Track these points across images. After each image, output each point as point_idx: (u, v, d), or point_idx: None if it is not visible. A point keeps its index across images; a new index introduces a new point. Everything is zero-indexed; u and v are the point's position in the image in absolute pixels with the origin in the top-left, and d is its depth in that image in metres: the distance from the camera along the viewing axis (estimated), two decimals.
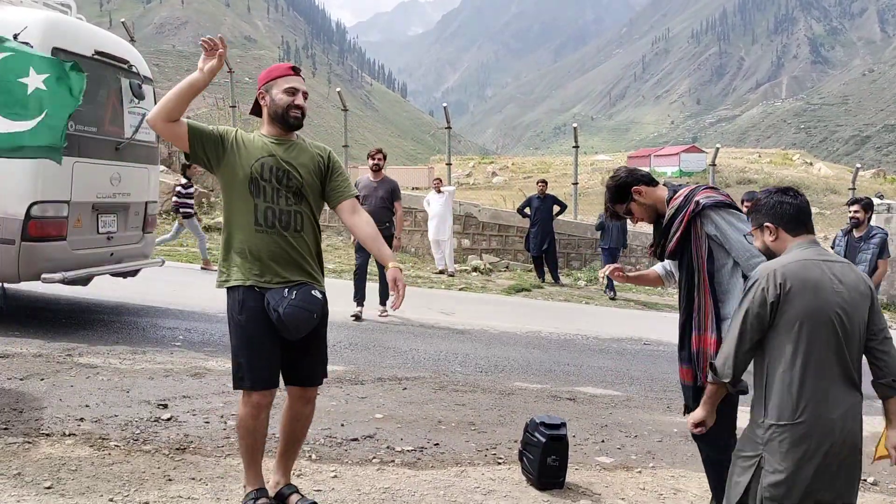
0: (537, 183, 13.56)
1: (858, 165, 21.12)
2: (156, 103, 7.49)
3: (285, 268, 3.06)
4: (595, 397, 5.90)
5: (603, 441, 4.76)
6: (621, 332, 8.89)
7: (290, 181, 3.07)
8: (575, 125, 17.20)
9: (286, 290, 3.02)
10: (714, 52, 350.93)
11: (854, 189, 16.38)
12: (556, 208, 13.26)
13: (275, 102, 3.08)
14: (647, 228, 19.75)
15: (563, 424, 3.93)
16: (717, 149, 17.65)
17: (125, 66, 6.85)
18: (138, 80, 7.03)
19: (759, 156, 55.85)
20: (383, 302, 8.26)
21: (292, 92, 3.08)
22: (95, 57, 6.40)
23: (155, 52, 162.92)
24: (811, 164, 51.23)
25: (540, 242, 13.02)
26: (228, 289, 3.10)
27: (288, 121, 3.08)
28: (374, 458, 4.01)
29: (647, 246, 14.91)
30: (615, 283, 12.77)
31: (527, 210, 13.19)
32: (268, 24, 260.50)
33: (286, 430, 3.26)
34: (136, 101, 6.98)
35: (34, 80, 4.49)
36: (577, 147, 16.61)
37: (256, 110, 3.20)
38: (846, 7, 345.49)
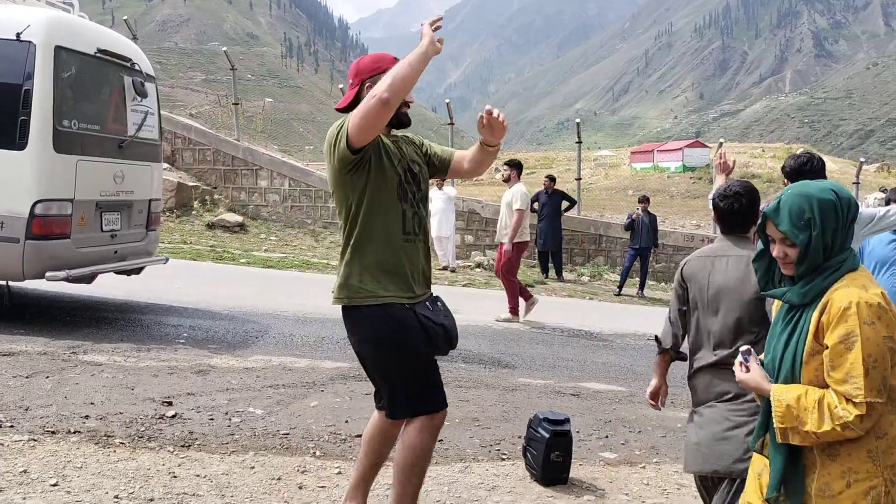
0: (544, 179, 13.54)
1: (862, 160, 21.01)
2: (158, 101, 7.51)
3: (425, 278, 2.86)
4: (599, 393, 5.90)
5: (607, 437, 4.76)
6: (625, 328, 8.89)
7: (422, 181, 2.86)
8: (578, 121, 17.19)
9: (428, 302, 2.82)
10: (717, 46, 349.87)
11: (858, 183, 16.34)
12: (564, 203, 13.27)
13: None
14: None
15: (567, 420, 3.93)
16: (721, 143, 17.63)
17: (128, 64, 6.86)
18: (141, 77, 7.03)
19: (763, 150, 55.72)
20: None
21: None
22: (98, 55, 6.40)
23: (157, 50, 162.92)
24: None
25: (547, 238, 13.02)
26: (371, 306, 2.72)
27: (401, 118, 2.77)
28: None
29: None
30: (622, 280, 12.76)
31: (535, 205, 13.19)
32: (270, 21, 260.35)
33: (377, 453, 3.00)
34: (139, 98, 6.98)
35: None
36: (580, 143, 16.61)
37: (348, 104, 2.75)
38: (850, 0, 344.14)
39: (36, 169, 5.78)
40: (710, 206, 3.11)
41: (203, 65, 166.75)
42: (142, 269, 7.24)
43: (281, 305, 8.08)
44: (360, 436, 4.26)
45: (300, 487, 3.47)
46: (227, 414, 4.42)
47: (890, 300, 1.92)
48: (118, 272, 6.97)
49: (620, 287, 12.41)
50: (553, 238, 13.05)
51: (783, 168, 3.86)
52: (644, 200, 12.51)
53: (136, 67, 7.00)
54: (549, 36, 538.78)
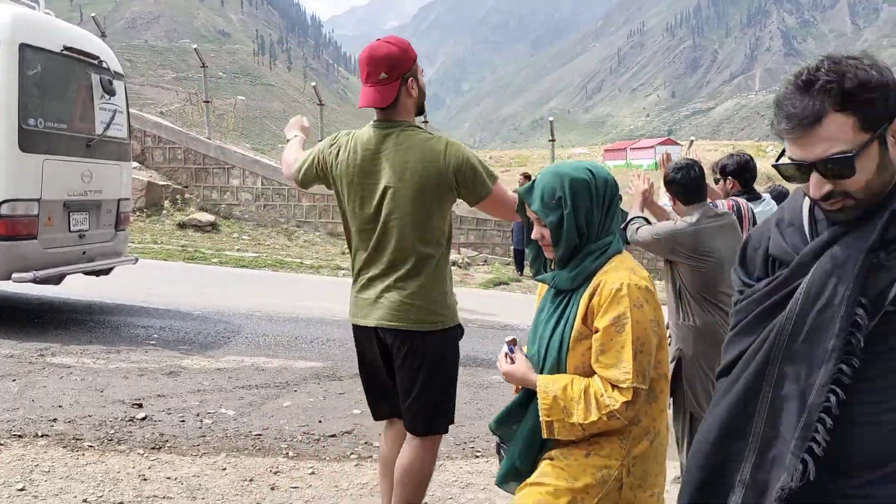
0: (519, 176, 13.62)
1: None
2: (126, 99, 7.40)
3: None
4: None
5: None
6: None
7: None
8: (551, 119, 17.25)
9: None
10: (688, 45, 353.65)
11: None
12: None
13: (422, 91, 2.62)
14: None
15: None
16: (692, 141, 17.79)
17: (95, 62, 6.75)
18: (109, 75, 6.93)
19: (734, 147, 56.40)
20: None
21: (422, 73, 2.67)
22: (64, 53, 6.30)
23: (127, 48, 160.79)
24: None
25: (524, 235, 13.08)
26: (458, 325, 2.71)
27: (423, 109, 2.68)
28: (351, 453, 4.00)
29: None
30: None
31: None
32: (242, 18, 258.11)
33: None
34: (107, 96, 6.88)
35: None
36: (553, 141, 16.66)
37: (394, 101, 2.54)
38: (818, 0, 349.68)
39: (1, 169, 5.67)
40: (665, 188, 3.26)
41: (174, 63, 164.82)
42: (111, 269, 7.14)
43: (254, 305, 8.01)
44: (334, 435, 4.25)
45: (273, 488, 3.44)
46: (198, 415, 4.38)
47: (653, 282, 1.89)
48: (87, 273, 6.86)
49: None
50: (529, 235, 13.10)
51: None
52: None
53: (104, 65, 6.90)
54: (524, 35, 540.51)
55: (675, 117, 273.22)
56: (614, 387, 1.76)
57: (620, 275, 1.82)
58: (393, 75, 2.48)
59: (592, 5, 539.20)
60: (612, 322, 1.78)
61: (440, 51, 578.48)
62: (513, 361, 1.96)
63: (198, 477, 3.48)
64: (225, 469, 3.61)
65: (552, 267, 2.01)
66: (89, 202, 6.63)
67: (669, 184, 3.34)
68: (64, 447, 3.69)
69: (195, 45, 18.47)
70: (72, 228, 6.42)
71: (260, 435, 4.13)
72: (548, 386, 1.83)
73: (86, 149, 6.54)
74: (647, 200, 3.59)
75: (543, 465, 1.88)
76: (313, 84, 19.15)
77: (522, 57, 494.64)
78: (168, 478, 3.43)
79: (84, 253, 6.63)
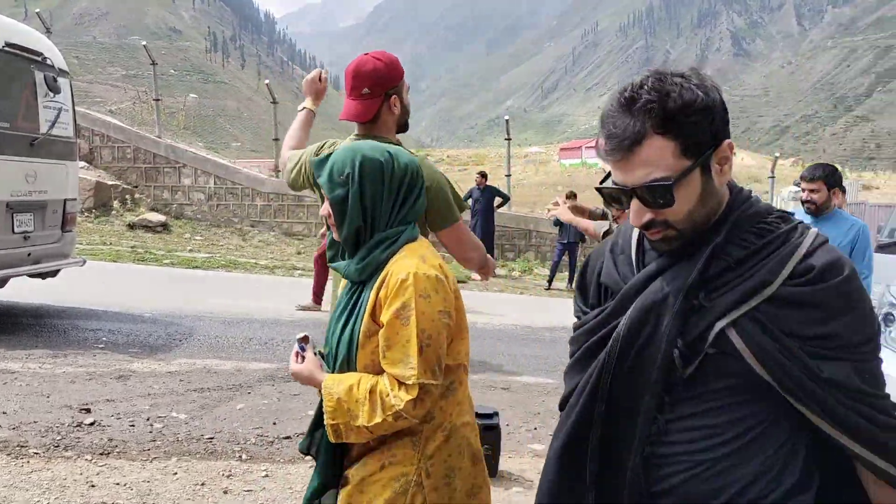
0: (476, 175, 13.65)
1: (777, 154, 21.96)
2: (72, 98, 7.22)
3: None
4: (529, 386, 5.98)
5: (535, 428, 4.83)
6: (555, 321, 9.03)
7: None
8: (507, 118, 17.35)
9: None
10: (641, 45, 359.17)
11: (773, 177, 17.03)
12: (497, 199, 13.39)
13: (406, 109, 2.61)
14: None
15: (496, 414, 3.98)
16: None
17: (39, 59, 6.57)
18: (53, 73, 6.75)
19: None
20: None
21: (408, 90, 2.65)
22: (6, 49, 6.11)
23: (74, 44, 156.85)
24: (735, 153, 53.11)
25: (479, 233, 13.11)
26: None
27: (405, 129, 2.66)
28: (307, 455, 3.96)
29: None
30: (552, 274, 12.98)
31: (468, 202, 13.25)
32: (193, 15, 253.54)
33: None
34: (52, 94, 6.70)
35: None
36: (509, 140, 16.77)
37: (374, 117, 2.53)
38: (765, 1, 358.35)
39: None
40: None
41: (123, 60, 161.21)
42: (58, 271, 6.95)
43: (206, 307, 7.88)
44: (288, 437, 4.21)
45: (225, 492, 3.40)
46: (148, 420, 4.29)
47: (448, 272, 1.76)
48: (32, 275, 6.67)
49: (550, 281, 12.64)
50: (486, 234, 13.15)
51: None
52: (571, 196, 12.72)
53: (49, 62, 6.71)
54: (480, 34, 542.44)
55: None
56: (401, 384, 1.62)
57: (408, 263, 1.69)
58: (376, 91, 2.49)
59: (548, 5, 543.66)
60: (396, 314, 1.64)
61: (397, 49, 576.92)
62: (303, 359, 1.83)
63: (148, 482, 3.41)
64: (176, 474, 3.55)
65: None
66: (34, 203, 6.45)
67: None
68: (7, 455, 3.58)
69: (145, 42, 18.10)
70: (16, 230, 6.23)
71: (212, 438, 4.07)
72: (332, 387, 1.70)
73: (30, 148, 6.36)
74: (582, 213, 3.65)
75: (341, 495, 1.76)
76: (266, 81, 18.93)
77: (479, 56, 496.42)
78: (117, 484, 3.36)
79: (29, 255, 6.44)
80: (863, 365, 1.19)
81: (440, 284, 1.69)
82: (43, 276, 6.84)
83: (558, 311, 10.04)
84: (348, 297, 1.80)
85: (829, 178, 4.18)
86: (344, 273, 1.80)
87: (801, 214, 4.20)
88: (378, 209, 1.75)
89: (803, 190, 4.24)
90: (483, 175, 13.55)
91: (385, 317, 1.66)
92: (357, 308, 1.75)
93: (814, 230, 1.26)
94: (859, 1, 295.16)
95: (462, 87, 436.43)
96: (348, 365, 1.74)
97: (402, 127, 2.65)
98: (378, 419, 1.61)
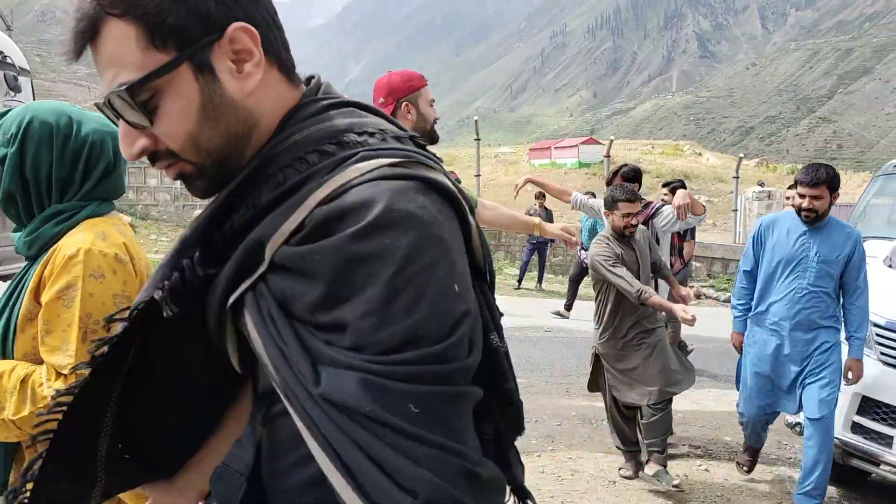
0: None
1: (742, 155, 22.33)
2: (34, 96, 7.10)
3: None
4: None
5: None
6: (523, 321, 9.09)
7: None
8: (476, 118, 17.45)
9: None
10: (609, 46, 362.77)
11: (738, 178, 17.33)
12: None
13: (424, 118, 2.71)
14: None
15: None
16: (612, 141, 18.26)
17: None
18: (14, 71, 6.61)
19: (653, 147, 58.15)
20: None
21: (433, 104, 2.76)
22: None
23: (37, 42, 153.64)
24: (700, 154, 53.80)
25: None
26: None
27: (434, 138, 2.73)
28: None
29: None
30: (520, 273, 13.05)
31: None
32: None
33: None
34: (12, 93, 6.57)
35: None
36: (478, 140, 16.87)
37: None
38: (730, 4, 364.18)
39: None
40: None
41: (87, 58, 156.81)
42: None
43: None
44: None
45: None
46: None
47: (137, 255, 1.58)
48: None
49: (520, 281, 12.71)
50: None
51: None
52: (541, 196, 12.80)
53: (9, 60, 6.58)
54: (449, 34, 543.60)
55: (596, 117, 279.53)
56: (58, 375, 1.39)
57: (83, 237, 1.47)
58: (389, 100, 2.71)
59: (515, 6, 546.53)
60: (59, 294, 1.41)
61: (366, 49, 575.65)
62: None
63: None
64: None
65: None
66: None
67: None
68: None
69: None
70: None
71: None
72: None
73: None
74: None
75: None
76: None
77: (448, 56, 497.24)
78: None
79: None
80: (378, 379, 0.70)
81: (121, 266, 1.48)
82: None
83: (528, 311, 10.10)
84: (17, 276, 1.55)
85: (832, 181, 3.62)
86: (16, 248, 1.58)
87: (790, 220, 3.77)
88: (42, 177, 1.52)
89: (801, 196, 3.64)
90: (453, 176, 13.57)
91: (46, 297, 1.43)
92: (20, 287, 1.51)
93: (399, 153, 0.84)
94: (821, 4, 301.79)
95: (431, 88, 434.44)
96: (3, 352, 1.49)
97: (430, 138, 2.74)
98: (26, 412, 1.36)
